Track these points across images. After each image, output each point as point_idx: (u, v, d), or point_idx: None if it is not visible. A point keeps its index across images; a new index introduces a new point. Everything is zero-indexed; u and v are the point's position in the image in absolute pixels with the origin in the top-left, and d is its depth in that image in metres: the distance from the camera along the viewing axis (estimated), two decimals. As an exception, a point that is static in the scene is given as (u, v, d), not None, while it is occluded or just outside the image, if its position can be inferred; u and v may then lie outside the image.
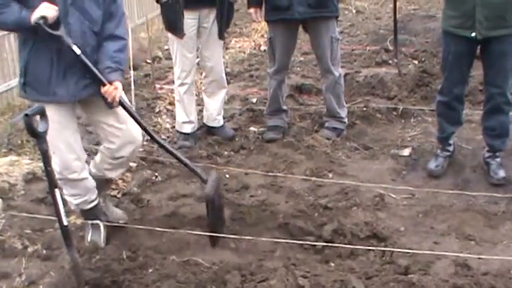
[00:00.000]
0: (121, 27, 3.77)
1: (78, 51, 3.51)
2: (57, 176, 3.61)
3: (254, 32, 9.50)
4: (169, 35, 5.35)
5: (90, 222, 4.05)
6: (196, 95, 5.88)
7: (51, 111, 3.45)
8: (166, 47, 8.46)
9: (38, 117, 3.19)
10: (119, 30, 3.73)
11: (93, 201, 4.01)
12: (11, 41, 7.15)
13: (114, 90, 3.60)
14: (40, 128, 3.18)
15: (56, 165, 3.66)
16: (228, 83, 6.23)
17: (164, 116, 6.24)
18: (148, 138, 4.41)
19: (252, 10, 5.42)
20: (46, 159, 3.24)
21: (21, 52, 3.67)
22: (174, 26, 5.17)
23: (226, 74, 6.05)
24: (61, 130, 3.69)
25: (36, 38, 3.54)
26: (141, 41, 9.17)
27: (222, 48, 5.58)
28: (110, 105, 3.71)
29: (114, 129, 3.85)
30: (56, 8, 3.46)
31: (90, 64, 3.56)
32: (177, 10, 5.06)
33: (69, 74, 3.61)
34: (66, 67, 3.60)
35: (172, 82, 5.92)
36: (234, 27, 9.50)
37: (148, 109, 6.50)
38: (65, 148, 3.74)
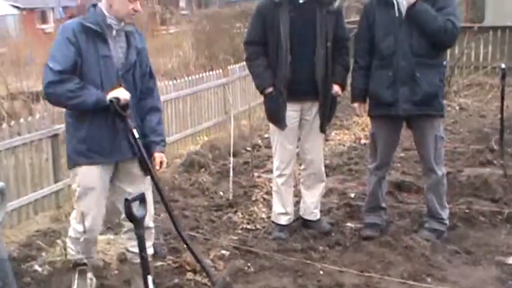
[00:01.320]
0: (159, 99, 4.39)
1: (137, 134, 3.99)
2: (79, 236, 4.15)
3: (355, 125, 9.50)
4: (271, 125, 5.40)
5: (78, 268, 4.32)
6: (294, 186, 5.84)
7: (95, 174, 4.06)
8: (266, 136, 8.55)
9: (137, 202, 3.25)
10: (158, 103, 4.34)
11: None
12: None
13: (159, 159, 4.18)
14: (138, 213, 3.24)
15: (86, 224, 4.08)
16: (327, 175, 6.16)
17: (260, 205, 6.22)
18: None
19: (356, 104, 5.39)
20: (141, 243, 3.29)
21: (79, 123, 4.07)
22: (276, 117, 5.23)
23: (325, 166, 5.98)
24: (100, 193, 4.12)
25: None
26: (242, 128, 9.33)
27: (322, 141, 5.57)
28: (145, 172, 4.14)
29: None
30: (128, 94, 3.97)
31: (142, 148, 4.03)
32: (280, 102, 5.13)
33: (121, 135, 4.06)
34: (119, 129, 4.05)
35: (271, 171, 5.92)
36: (335, 119, 9.46)
37: (245, 197, 6.51)
38: (97, 211, 4.16)
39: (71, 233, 4.28)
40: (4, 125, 6.24)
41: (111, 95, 3.92)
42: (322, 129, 5.31)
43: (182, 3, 37.90)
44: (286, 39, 5.04)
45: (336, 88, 5.24)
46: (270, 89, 5.15)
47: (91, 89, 3.92)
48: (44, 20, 37.77)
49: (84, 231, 4.11)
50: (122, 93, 3.95)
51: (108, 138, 4.04)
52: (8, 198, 6.11)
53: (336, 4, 5.19)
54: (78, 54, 3.90)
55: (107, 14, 4.03)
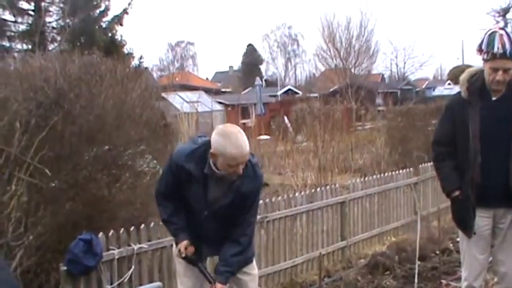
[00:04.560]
0: (245, 236, 4.21)
1: (209, 278, 4.16)
2: None
3: None
4: (459, 231, 4.97)
5: None
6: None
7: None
8: (458, 239, 7.97)
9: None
10: (242, 238, 4.19)
11: None
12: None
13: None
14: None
15: None
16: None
17: (447, 319, 5.73)
18: None
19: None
20: None
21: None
22: (463, 223, 4.80)
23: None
24: (186, 273, 4.36)
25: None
26: (433, 230, 8.84)
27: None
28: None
29: None
30: (192, 251, 4.19)
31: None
32: (468, 207, 4.68)
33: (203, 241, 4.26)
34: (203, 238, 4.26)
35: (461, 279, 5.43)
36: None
37: (430, 307, 6.06)
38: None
39: None
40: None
41: (178, 246, 4.22)
42: (517, 240, 4.74)
43: (379, 100, 38.06)
44: (476, 139, 4.63)
45: (534, 196, 4.67)
46: (457, 193, 4.75)
47: (173, 224, 4.28)
48: (245, 115, 39.83)
49: None
50: (181, 254, 4.19)
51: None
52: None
53: (537, 101, 4.70)
54: (178, 183, 4.15)
55: (211, 162, 4.00)
